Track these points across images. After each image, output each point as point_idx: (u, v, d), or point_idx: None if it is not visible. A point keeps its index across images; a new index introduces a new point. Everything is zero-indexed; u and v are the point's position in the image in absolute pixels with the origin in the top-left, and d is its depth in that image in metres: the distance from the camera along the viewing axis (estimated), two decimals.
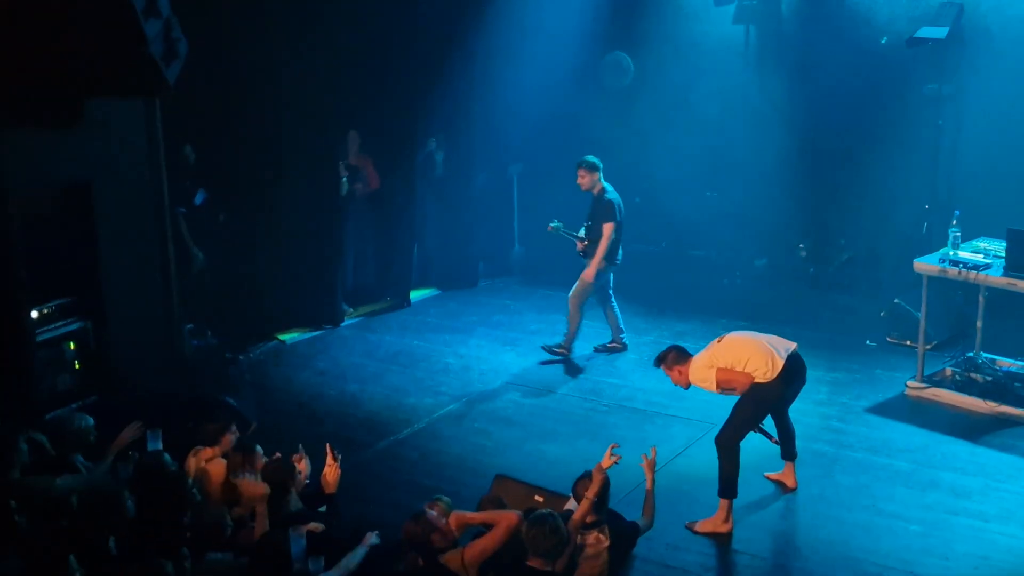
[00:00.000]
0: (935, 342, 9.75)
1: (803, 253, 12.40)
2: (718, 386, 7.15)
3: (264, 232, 10.47)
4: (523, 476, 7.08)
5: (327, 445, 6.45)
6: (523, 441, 8.51)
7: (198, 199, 9.92)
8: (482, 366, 10.11)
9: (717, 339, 7.34)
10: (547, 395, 9.44)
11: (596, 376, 9.85)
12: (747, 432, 7.21)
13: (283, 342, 10.64)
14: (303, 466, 6.43)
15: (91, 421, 6.79)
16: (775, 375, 7.06)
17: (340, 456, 6.41)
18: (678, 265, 12.78)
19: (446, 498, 6.04)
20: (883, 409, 8.99)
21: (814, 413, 8.73)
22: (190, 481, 6.16)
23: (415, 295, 11.97)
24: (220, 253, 10.21)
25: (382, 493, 7.59)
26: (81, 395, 7.78)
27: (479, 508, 6.35)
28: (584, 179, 10.06)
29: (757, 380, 7.07)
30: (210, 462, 6.55)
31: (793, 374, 7.20)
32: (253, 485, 6.15)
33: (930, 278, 9.06)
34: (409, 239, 11.87)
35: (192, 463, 6.62)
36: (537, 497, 6.58)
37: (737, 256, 12.65)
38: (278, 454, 6.52)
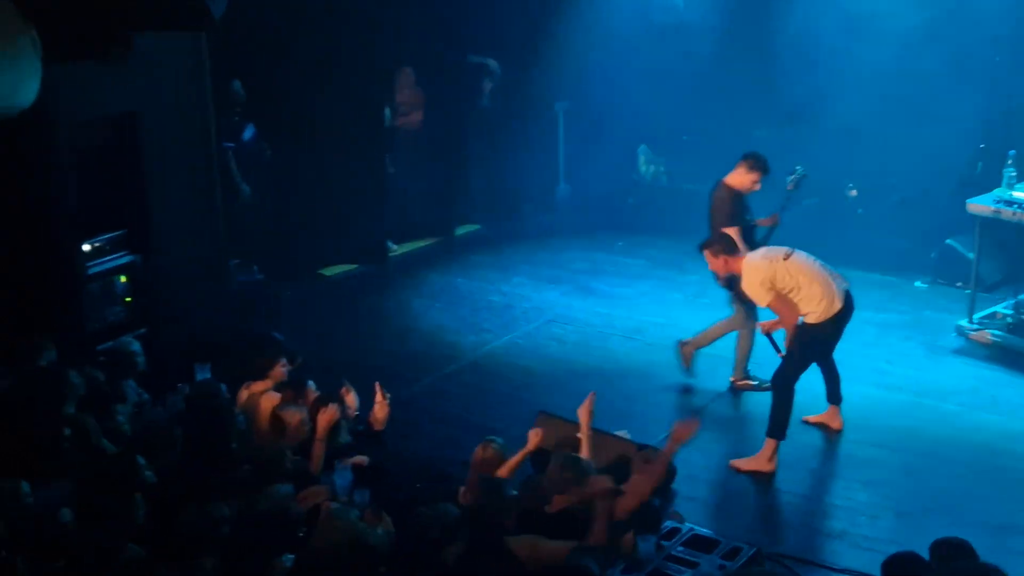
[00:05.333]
0: (987, 284, 9.60)
1: (853, 193, 12.21)
2: (766, 304, 7.04)
3: (310, 168, 10.46)
4: (565, 414, 7.10)
5: (376, 384, 6.51)
6: (566, 379, 8.53)
7: (247, 134, 9.94)
8: (525, 304, 10.12)
9: (784, 254, 7.05)
10: (590, 333, 9.44)
11: (641, 315, 9.83)
12: (800, 372, 7.14)
13: (328, 278, 10.70)
14: (351, 399, 6.49)
15: (138, 346, 6.93)
16: (829, 316, 6.96)
17: (389, 395, 6.47)
18: None
19: (499, 440, 6.05)
20: (932, 351, 8.91)
21: (861, 355, 8.65)
22: (237, 411, 6.26)
23: (459, 231, 11.96)
24: (267, 189, 10.25)
25: (428, 428, 7.67)
26: (131, 328, 7.88)
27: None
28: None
29: (808, 320, 6.97)
30: (262, 395, 6.64)
31: (846, 315, 7.11)
32: (296, 416, 6.20)
33: (983, 219, 8.91)
34: (455, 175, 11.84)
35: (244, 395, 6.72)
36: (578, 435, 6.59)
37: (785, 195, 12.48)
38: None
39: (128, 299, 7.98)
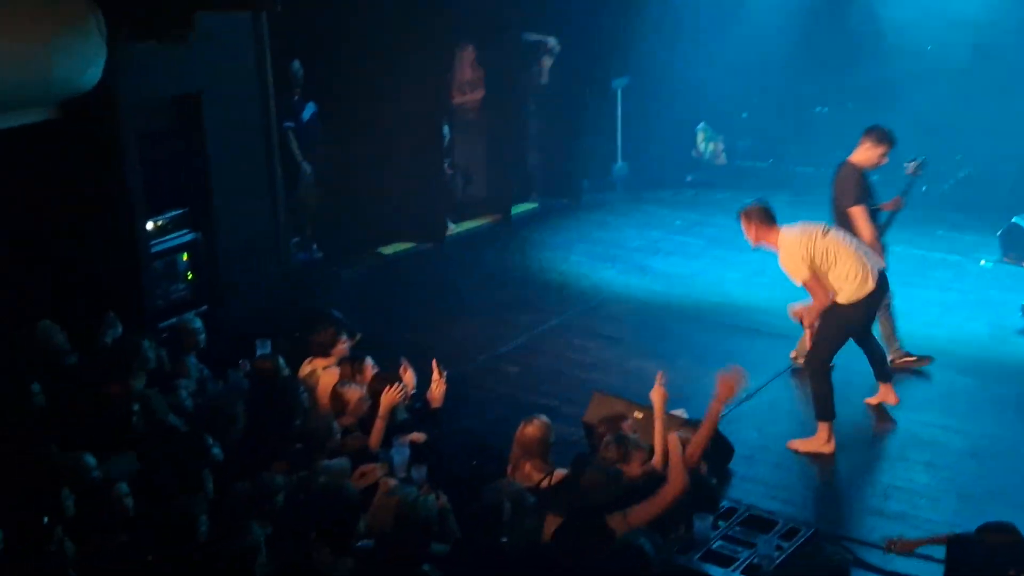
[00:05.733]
0: None
1: (914, 169, 11.99)
2: (802, 282, 6.84)
3: (369, 146, 10.52)
4: (621, 393, 7.09)
5: (433, 361, 6.55)
6: (622, 358, 8.50)
7: (306, 114, 10.02)
8: (582, 282, 10.10)
9: (823, 229, 6.82)
10: (646, 312, 9.40)
11: (698, 295, 9.77)
12: (833, 353, 7.03)
13: (386, 256, 10.76)
14: (408, 377, 6.55)
15: (199, 323, 7.04)
16: (861, 296, 6.81)
17: (446, 372, 6.51)
18: (785, 182, 12.51)
19: (541, 416, 6.05)
20: (996, 332, 8.74)
21: (924, 335, 8.53)
22: (301, 388, 6.34)
23: (516, 210, 11.96)
24: (326, 168, 10.33)
25: (482, 407, 7.69)
26: (193, 305, 8.01)
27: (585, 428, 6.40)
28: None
29: (840, 300, 6.81)
30: (324, 371, 6.72)
31: (879, 296, 6.97)
32: (355, 393, 6.28)
33: None
34: (513, 154, 11.83)
35: (306, 370, 6.81)
36: (636, 414, 6.59)
37: None
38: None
39: (190, 276, 8.11)
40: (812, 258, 6.74)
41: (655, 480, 5.49)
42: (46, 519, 4.63)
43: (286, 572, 4.65)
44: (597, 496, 5.29)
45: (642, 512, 5.22)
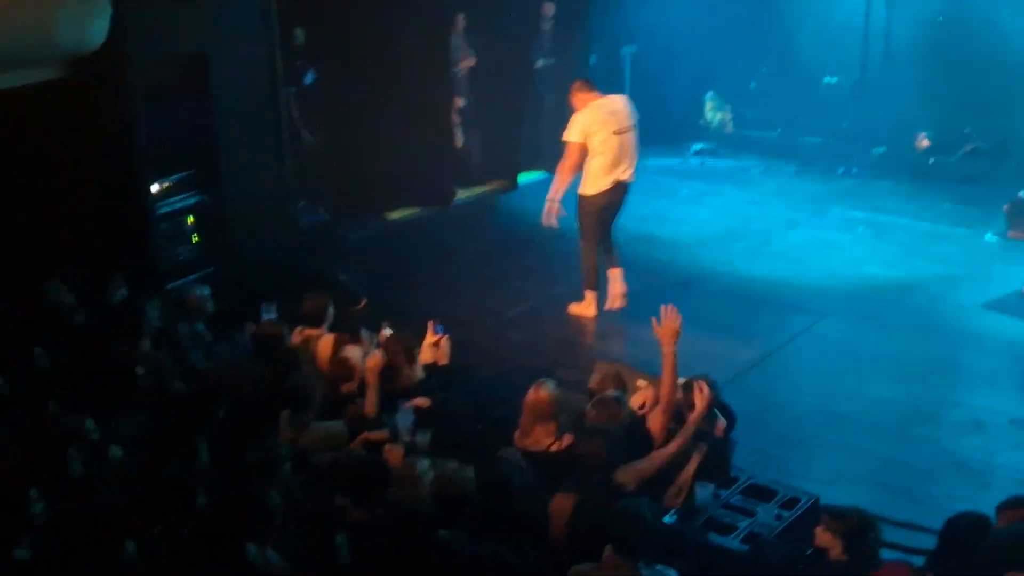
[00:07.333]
0: None
1: (924, 143, 11.96)
2: (565, 139, 8.27)
3: (376, 112, 10.50)
4: (625, 361, 7.12)
5: (429, 323, 6.58)
6: (627, 326, 8.52)
7: (308, 79, 9.98)
8: None
9: (617, 128, 8.19)
10: (651, 280, 9.38)
11: (703, 264, 9.77)
12: (595, 233, 8.41)
13: (393, 220, 10.75)
14: (433, 339, 6.57)
15: (208, 290, 7.05)
16: (602, 190, 8.22)
17: (440, 329, 6.53)
18: (792, 152, 12.48)
19: (551, 380, 6.07)
20: (999, 306, 8.73)
21: (928, 308, 8.55)
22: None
23: (524, 177, 11.93)
24: (333, 132, 10.30)
25: (487, 372, 7.69)
26: (200, 267, 8.03)
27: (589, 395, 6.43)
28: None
29: (586, 191, 8.25)
30: (318, 339, 6.70)
31: (618, 195, 8.34)
32: (357, 352, 6.26)
33: None
34: (519, 119, 11.79)
35: (297, 338, 6.78)
36: (640, 381, 6.61)
37: (853, 144, 12.27)
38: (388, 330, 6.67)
39: (196, 238, 8.12)
40: (588, 133, 8.12)
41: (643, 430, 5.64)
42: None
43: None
44: (598, 462, 5.34)
45: (647, 467, 5.39)
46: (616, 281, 8.66)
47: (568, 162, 8.29)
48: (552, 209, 8.41)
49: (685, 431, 5.61)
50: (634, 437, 5.64)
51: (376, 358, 6.09)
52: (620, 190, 8.43)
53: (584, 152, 8.22)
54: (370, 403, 6.02)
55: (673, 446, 5.56)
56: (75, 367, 5.89)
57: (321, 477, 4.97)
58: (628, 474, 5.38)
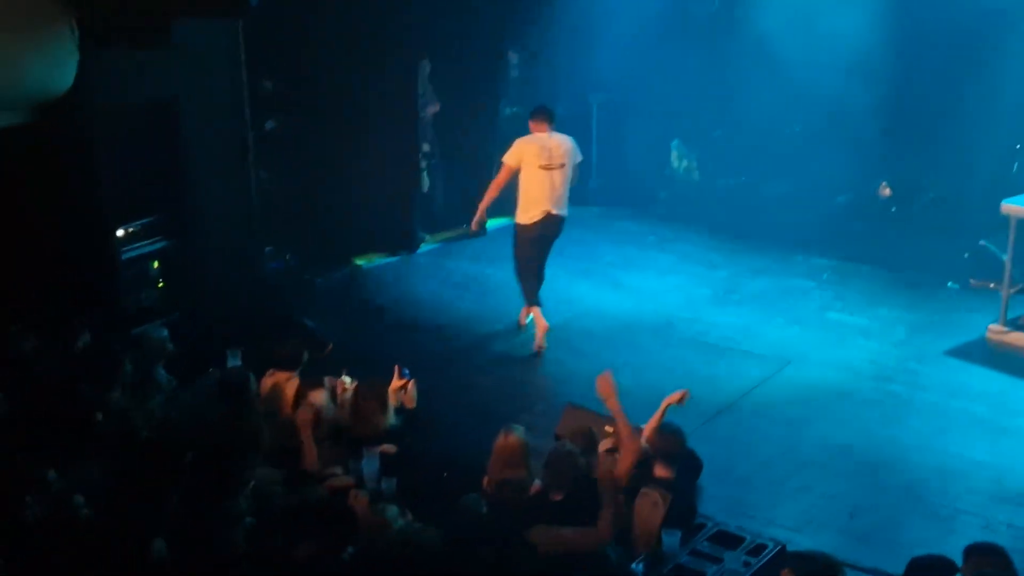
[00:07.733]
0: (1020, 286, 9.51)
1: (886, 192, 12.12)
2: (504, 159, 8.78)
3: (344, 159, 10.53)
4: (594, 406, 7.11)
5: (395, 367, 6.56)
6: (594, 371, 8.46)
7: (268, 125, 10.02)
8: (556, 296, 10.06)
9: (548, 162, 8.66)
10: (620, 327, 9.43)
11: (670, 310, 9.81)
12: (529, 259, 8.95)
13: (360, 267, 10.75)
14: (398, 384, 6.55)
15: (165, 332, 6.97)
16: (535, 220, 8.69)
17: (408, 373, 6.51)
18: (757, 200, 12.60)
19: (519, 427, 6.07)
20: (962, 352, 8.84)
21: (891, 354, 8.63)
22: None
23: (491, 224, 11.93)
24: (300, 179, 10.31)
25: (455, 419, 7.67)
26: (165, 312, 7.97)
27: (559, 439, 6.42)
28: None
29: (520, 220, 8.81)
30: (287, 383, 6.65)
31: (550, 228, 8.83)
32: (302, 411, 6.17)
33: (1019, 220, 8.82)
34: (487, 165, 11.84)
35: (268, 384, 6.74)
36: (608, 427, 6.61)
37: (817, 192, 12.42)
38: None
39: (161, 284, 8.07)
40: (521, 161, 8.64)
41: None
42: None
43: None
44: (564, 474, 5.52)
45: (572, 539, 5.30)
46: (539, 318, 8.98)
47: (497, 180, 8.97)
48: (479, 217, 9.16)
49: (608, 505, 5.53)
50: (581, 495, 5.62)
51: (307, 412, 6.04)
52: (553, 222, 8.87)
53: (513, 175, 8.79)
54: (309, 456, 5.93)
55: (603, 524, 5.48)
56: (35, 413, 5.80)
57: (284, 522, 4.90)
58: (544, 536, 5.27)
